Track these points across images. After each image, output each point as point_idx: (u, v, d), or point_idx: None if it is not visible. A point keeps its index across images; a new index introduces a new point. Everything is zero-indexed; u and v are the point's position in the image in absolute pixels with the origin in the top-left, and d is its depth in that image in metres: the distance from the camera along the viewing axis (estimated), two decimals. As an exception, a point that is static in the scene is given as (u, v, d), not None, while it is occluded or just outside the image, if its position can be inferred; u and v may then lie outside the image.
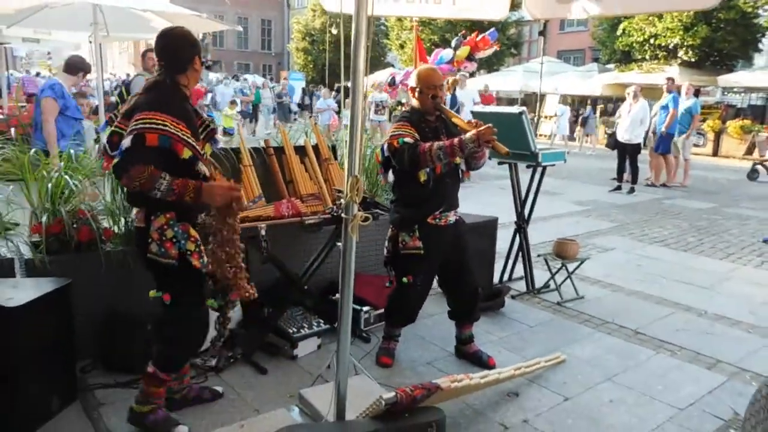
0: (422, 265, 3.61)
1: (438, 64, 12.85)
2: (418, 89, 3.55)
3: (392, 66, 31.79)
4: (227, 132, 15.17)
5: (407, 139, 3.39)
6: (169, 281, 2.89)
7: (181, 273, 2.85)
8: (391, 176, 3.68)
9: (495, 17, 3.61)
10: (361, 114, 2.61)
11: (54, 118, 5.55)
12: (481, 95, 18.87)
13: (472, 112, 5.37)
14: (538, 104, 21.87)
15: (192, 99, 2.99)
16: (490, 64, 29.57)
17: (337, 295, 3.24)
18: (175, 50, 2.86)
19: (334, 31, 32.71)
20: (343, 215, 2.68)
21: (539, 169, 5.22)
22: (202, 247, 2.89)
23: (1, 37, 10.09)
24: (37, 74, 31.69)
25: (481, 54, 12.82)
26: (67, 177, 3.73)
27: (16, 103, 11.79)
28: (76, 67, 5.91)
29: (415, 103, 3.61)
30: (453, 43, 13.13)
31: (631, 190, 11.21)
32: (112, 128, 2.80)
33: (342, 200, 3.76)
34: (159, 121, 2.65)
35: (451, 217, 3.67)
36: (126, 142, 2.63)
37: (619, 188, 11.40)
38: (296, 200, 4.03)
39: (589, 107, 20.66)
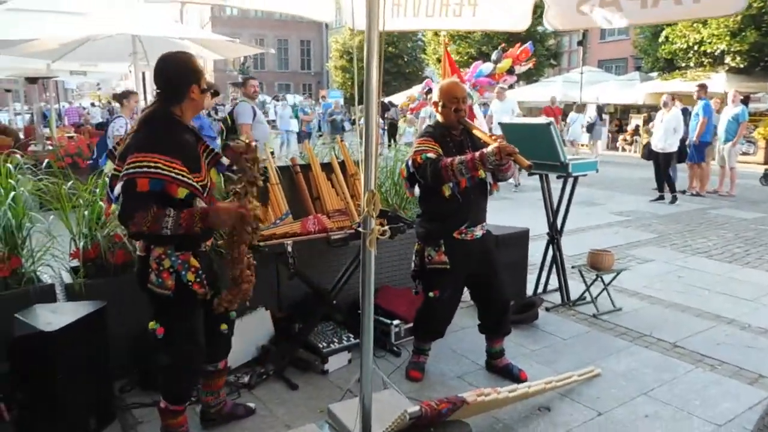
0: (448, 279, 3.61)
1: (477, 78, 12.80)
2: (440, 103, 3.57)
3: (431, 80, 31.88)
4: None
5: (430, 155, 3.41)
6: (164, 312, 2.85)
7: (176, 304, 2.82)
8: (417, 190, 3.69)
9: (517, 28, 3.60)
10: (375, 129, 2.63)
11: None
12: (546, 109, 18.61)
13: (500, 124, 5.36)
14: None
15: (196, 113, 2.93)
16: (529, 75, 29.33)
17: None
18: (170, 78, 2.75)
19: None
20: (360, 229, 2.70)
21: (570, 180, 5.17)
22: (203, 277, 2.85)
23: (49, 72, 10.53)
24: (92, 104, 32.81)
25: (521, 68, 12.75)
26: (102, 204, 3.86)
27: (61, 134, 12.22)
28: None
29: (438, 117, 3.63)
30: (493, 57, 13.08)
31: (674, 199, 10.97)
32: (112, 172, 2.77)
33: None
34: (151, 164, 2.57)
35: (478, 232, 3.66)
36: (117, 189, 2.60)
37: (661, 198, 11.16)
38: (323, 216, 4.07)
39: (594, 114, 20.28)
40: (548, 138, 4.84)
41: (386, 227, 2.85)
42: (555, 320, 5.00)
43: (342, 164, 4.59)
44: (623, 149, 22.17)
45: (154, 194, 2.57)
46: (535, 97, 24.68)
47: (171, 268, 2.77)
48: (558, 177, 5.12)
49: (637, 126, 22.26)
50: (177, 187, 2.61)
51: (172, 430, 3.03)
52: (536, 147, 4.86)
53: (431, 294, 3.65)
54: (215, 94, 2.89)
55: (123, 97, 7.65)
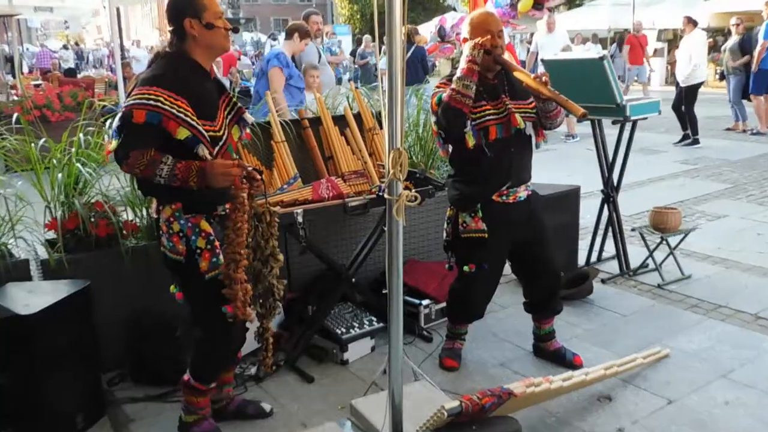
0: (487, 250, 3.58)
1: (496, 7, 12.46)
2: (471, 39, 3.47)
3: (453, 10, 31.40)
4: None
5: (444, 94, 3.38)
6: (181, 280, 3.01)
7: (190, 273, 2.91)
8: (451, 148, 3.63)
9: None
10: (400, 73, 2.56)
11: (282, 89, 6.11)
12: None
13: (542, 61, 5.25)
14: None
15: (219, 67, 3.00)
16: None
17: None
18: (168, 12, 2.87)
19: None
20: (385, 195, 2.66)
21: (628, 125, 5.08)
22: (217, 245, 2.91)
23: (11, 8, 10.46)
24: (65, 47, 32.83)
25: (553, 2, 12.36)
26: (79, 165, 3.84)
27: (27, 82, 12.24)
28: (290, 31, 6.51)
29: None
30: None
31: (694, 142, 10.96)
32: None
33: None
34: (151, 96, 2.69)
35: (522, 193, 3.61)
36: (115, 122, 2.72)
37: (686, 137, 11.19)
38: (337, 179, 4.04)
39: (613, 45, 19.83)
40: (601, 76, 4.74)
41: (415, 192, 2.80)
42: (612, 294, 4.96)
43: (358, 116, 4.54)
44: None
45: (152, 132, 2.68)
46: (579, 25, 24.17)
47: (180, 232, 2.87)
48: (613, 122, 5.03)
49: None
50: (177, 125, 2.70)
51: (191, 409, 3.15)
52: (587, 87, 4.76)
53: (467, 268, 3.63)
54: (235, 30, 2.88)
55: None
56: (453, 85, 3.32)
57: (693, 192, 7.94)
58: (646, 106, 5.06)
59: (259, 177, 2.89)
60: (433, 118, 3.51)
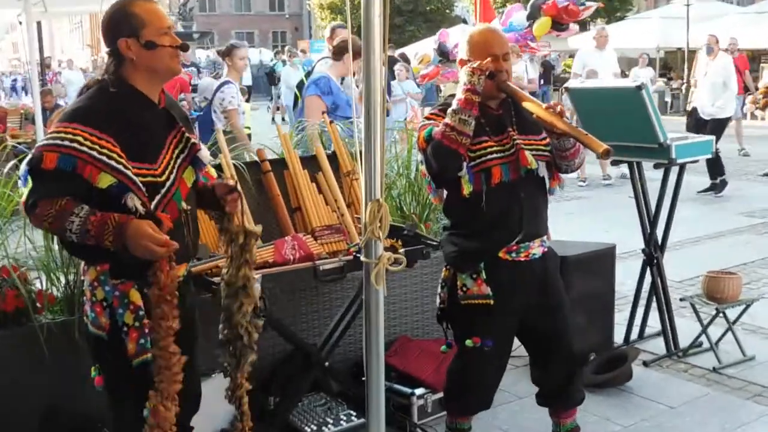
0: (492, 320, 3.58)
1: (510, 32, 12.65)
2: (470, 62, 3.57)
3: (463, 22, 31.92)
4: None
5: (435, 129, 3.43)
6: (102, 359, 2.98)
7: (113, 354, 2.89)
8: (446, 193, 3.70)
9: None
10: (379, 103, 2.65)
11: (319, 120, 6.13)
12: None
13: (567, 89, 5.36)
14: (685, 65, 21.57)
15: (171, 92, 3.04)
16: (611, 10, 29.35)
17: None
18: (103, 34, 2.94)
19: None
20: (362, 258, 2.72)
21: (674, 169, 5.16)
22: (147, 323, 2.87)
23: None
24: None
25: (577, 18, 12.55)
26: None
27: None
28: (340, 49, 6.57)
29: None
30: (528, 7, 12.91)
31: (718, 187, 11.16)
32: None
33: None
34: (67, 135, 2.70)
35: (536, 249, 3.65)
36: (23, 166, 2.76)
37: (713, 187, 11.29)
38: (306, 236, 4.07)
39: (647, 69, 20.19)
40: (639, 108, 4.83)
41: (400, 253, 2.86)
42: (658, 379, 4.99)
43: (333, 157, 4.62)
44: (752, 115, 22.07)
45: (66, 180, 2.69)
46: (621, 43, 24.58)
47: (105, 300, 2.87)
48: (656, 166, 5.11)
49: (773, 80, 22.14)
50: (98, 171, 2.70)
51: None
52: (622, 122, 4.85)
53: (469, 343, 3.61)
54: (183, 48, 2.93)
55: (226, 53, 7.62)
56: (447, 120, 3.35)
57: (760, 252, 7.99)
58: (696, 146, 5.16)
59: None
60: (420, 157, 3.55)
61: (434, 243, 4.12)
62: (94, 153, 2.70)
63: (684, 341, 5.39)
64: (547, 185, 3.67)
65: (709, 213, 9.96)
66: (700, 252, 7.96)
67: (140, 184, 2.77)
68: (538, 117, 3.39)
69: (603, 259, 5.18)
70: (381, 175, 2.69)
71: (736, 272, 5.37)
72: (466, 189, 3.45)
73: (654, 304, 5.46)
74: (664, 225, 5.43)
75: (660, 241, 5.40)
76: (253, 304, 3.13)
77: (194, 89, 19.73)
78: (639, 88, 4.83)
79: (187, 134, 3.01)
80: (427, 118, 3.58)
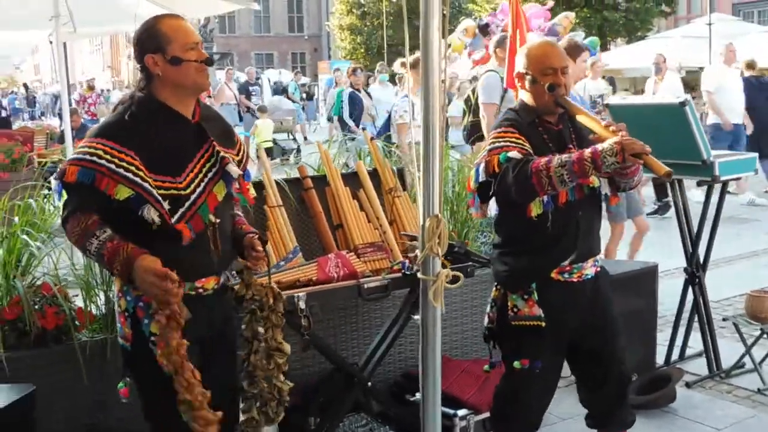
0: (544, 342, 3.54)
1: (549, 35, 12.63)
2: (529, 76, 3.53)
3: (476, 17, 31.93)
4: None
5: (513, 154, 3.35)
6: (129, 369, 3.03)
7: (140, 365, 2.93)
8: (492, 209, 3.64)
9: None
10: (438, 119, 2.61)
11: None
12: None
13: (607, 105, 5.32)
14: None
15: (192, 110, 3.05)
16: (632, 29, 29.28)
17: (417, 395, 3.21)
18: (134, 51, 3.01)
19: (395, -3, 33.29)
20: (419, 275, 2.67)
21: (717, 187, 5.11)
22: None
23: None
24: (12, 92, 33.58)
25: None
26: (25, 237, 3.88)
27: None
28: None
29: (525, 97, 3.59)
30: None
31: (662, 209, 10.62)
32: None
33: (417, 251, 3.81)
34: (89, 149, 2.81)
35: (588, 269, 3.60)
36: (54, 182, 2.88)
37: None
38: (349, 254, 4.05)
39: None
40: (683, 125, 4.79)
41: (458, 269, 2.82)
42: (701, 401, 4.92)
43: (374, 174, 4.60)
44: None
45: (86, 193, 2.80)
46: (639, 62, 24.54)
47: (127, 311, 2.93)
48: (699, 183, 5.05)
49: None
50: (115, 184, 2.78)
51: None
52: (664, 139, 4.78)
53: (518, 364, 3.57)
54: (209, 63, 2.97)
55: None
56: (553, 166, 3.22)
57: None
58: (739, 163, 5.12)
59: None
60: (481, 177, 3.46)
61: (485, 260, 4.07)
62: (112, 166, 2.78)
63: (725, 362, 5.30)
64: (604, 204, 3.63)
65: (739, 232, 9.85)
66: (735, 272, 7.89)
67: (158, 197, 2.83)
68: (598, 134, 3.32)
69: (645, 279, 5.13)
70: (440, 191, 2.65)
71: (779, 291, 5.28)
72: (536, 210, 3.39)
73: (695, 324, 5.38)
74: (705, 243, 5.37)
75: (701, 261, 5.34)
76: (286, 360, 3.17)
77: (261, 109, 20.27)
78: (683, 104, 4.79)
79: (218, 148, 3.02)
80: (498, 138, 3.45)
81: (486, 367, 3.80)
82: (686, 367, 5.35)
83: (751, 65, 12.31)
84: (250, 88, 21.63)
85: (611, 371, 3.73)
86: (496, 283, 3.68)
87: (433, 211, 2.65)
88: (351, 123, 13.79)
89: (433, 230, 2.62)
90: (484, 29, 13.80)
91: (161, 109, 2.95)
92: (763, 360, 5.18)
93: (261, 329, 3.09)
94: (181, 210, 2.88)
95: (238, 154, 3.16)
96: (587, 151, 3.20)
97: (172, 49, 2.91)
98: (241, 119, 19.30)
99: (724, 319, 5.58)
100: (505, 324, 3.60)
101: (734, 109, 11.74)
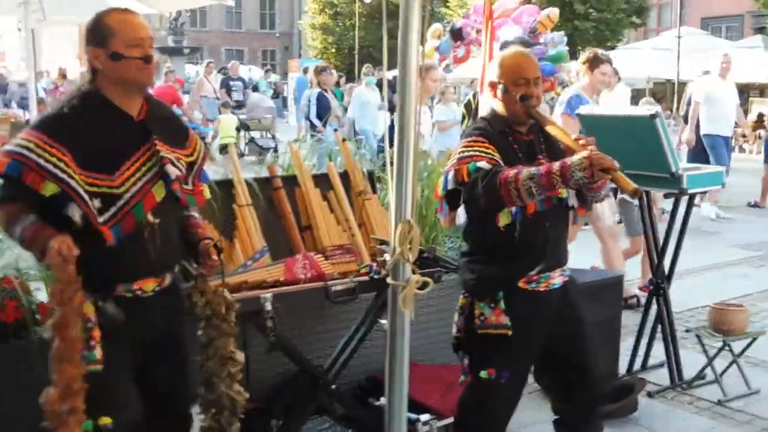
0: (511, 351, 3.53)
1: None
2: (501, 85, 3.52)
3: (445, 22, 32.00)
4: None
5: (482, 164, 3.34)
6: None
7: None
8: (461, 216, 3.63)
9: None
10: (413, 122, 2.59)
11: None
12: None
13: (578, 116, 5.33)
14: (675, 97, 21.68)
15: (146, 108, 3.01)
16: (601, 40, 29.54)
17: (382, 399, 3.19)
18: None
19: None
20: (389, 280, 2.64)
21: (684, 199, 5.14)
22: (95, 335, 2.83)
23: None
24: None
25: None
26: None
27: None
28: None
29: (497, 106, 3.59)
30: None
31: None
32: None
33: (387, 256, 3.79)
34: (23, 142, 2.78)
35: (556, 279, 3.60)
36: None
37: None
38: (317, 256, 4.02)
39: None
40: (653, 137, 4.81)
41: (427, 274, 2.80)
42: (663, 411, 4.94)
43: (344, 176, 4.57)
44: (741, 149, 22.19)
45: (16, 186, 2.77)
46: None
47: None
48: (666, 195, 5.09)
49: (762, 115, 22.29)
50: (41, 179, 2.74)
51: None
52: (634, 150, 4.82)
53: (484, 373, 3.55)
54: (147, 60, 2.93)
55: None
56: (521, 178, 3.20)
57: (757, 285, 7.98)
58: (707, 176, 5.18)
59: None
60: (450, 185, 3.44)
61: (453, 266, 4.06)
62: (41, 161, 2.74)
63: (687, 373, 5.35)
64: (572, 215, 3.65)
65: (703, 244, 9.92)
66: (697, 283, 7.95)
67: (84, 195, 2.78)
68: (566, 146, 3.34)
69: (610, 289, 5.14)
70: (413, 196, 2.62)
71: (742, 305, 5.32)
72: (504, 220, 3.39)
73: (658, 335, 5.40)
74: (670, 255, 5.41)
75: (666, 272, 5.36)
76: (240, 369, 3.15)
77: (240, 105, 19.84)
78: (653, 116, 4.81)
79: (159, 147, 2.96)
80: (467, 147, 3.43)
81: (462, 377, 3.74)
82: (648, 377, 5.38)
83: None
84: (231, 83, 21.12)
85: (585, 380, 3.73)
86: (463, 291, 3.66)
87: (405, 216, 2.61)
88: (318, 123, 13.75)
89: (405, 236, 2.59)
90: (458, 33, 13.74)
91: (103, 104, 2.92)
92: (724, 372, 5.23)
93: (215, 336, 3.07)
94: (113, 209, 2.85)
95: (192, 155, 3.14)
96: (556, 165, 3.19)
97: (114, 44, 2.87)
98: (220, 113, 18.97)
99: (687, 331, 5.66)
100: (472, 333, 3.58)
101: (727, 121, 12.00)
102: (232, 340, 3.10)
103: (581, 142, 3.24)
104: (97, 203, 2.79)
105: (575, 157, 3.14)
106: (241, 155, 17.45)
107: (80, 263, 2.70)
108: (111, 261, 2.83)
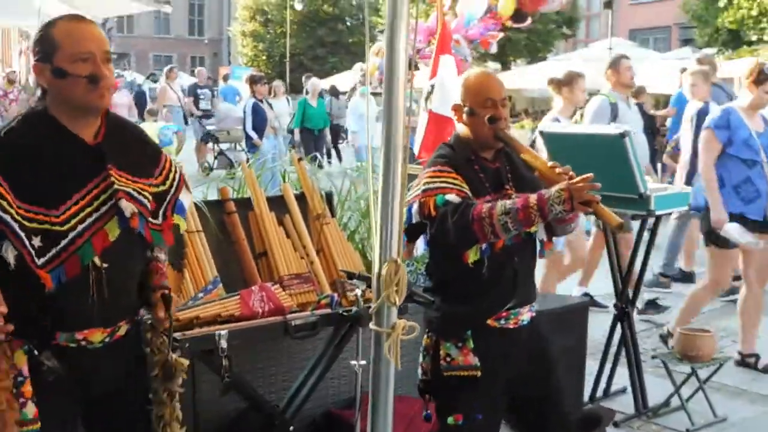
0: (480, 394, 3.34)
1: (468, 25, 12.14)
2: (466, 108, 3.34)
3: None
4: None
5: (451, 197, 3.15)
6: None
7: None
8: (420, 248, 3.42)
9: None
10: (401, 145, 2.37)
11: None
12: None
13: (541, 134, 5.17)
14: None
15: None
16: (533, 50, 29.85)
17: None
18: None
19: (298, 6, 33.16)
20: (372, 326, 2.40)
21: (650, 221, 5.07)
22: (26, 390, 2.48)
23: None
24: None
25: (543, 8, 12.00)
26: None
27: None
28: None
29: (462, 130, 3.42)
30: None
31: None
32: None
33: (358, 291, 3.55)
34: None
35: (525, 316, 3.43)
36: None
37: None
38: (274, 286, 3.84)
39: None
40: (620, 157, 4.70)
41: (412, 322, 2.53)
42: (630, 442, 4.84)
43: (301, 198, 4.37)
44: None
45: None
46: (540, 83, 24.97)
47: None
48: (633, 217, 5.02)
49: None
50: None
51: None
52: (599, 170, 4.62)
53: (452, 420, 3.36)
54: (93, 80, 2.52)
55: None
56: (496, 214, 3.03)
57: (711, 303, 7.87)
58: (673, 197, 5.10)
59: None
60: (414, 218, 3.26)
61: (429, 300, 3.83)
62: None
63: (654, 399, 5.24)
64: (538, 248, 3.49)
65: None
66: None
67: (20, 232, 2.40)
68: (541, 174, 3.17)
69: (575, 315, 5.00)
70: (399, 230, 2.37)
71: (710, 330, 5.23)
72: (473, 257, 3.19)
73: (622, 360, 5.30)
74: (635, 278, 5.33)
75: (630, 297, 5.27)
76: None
77: (207, 115, 18.50)
78: (623, 135, 4.68)
79: (114, 177, 2.57)
80: (431, 177, 3.25)
81: (424, 414, 3.53)
82: (611, 404, 5.29)
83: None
84: (199, 92, 19.13)
85: (557, 418, 3.57)
86: (426, 330, 3.45)
87: (391, 253, 2.36)
88: (254, 136, 13.37)
89: (392, 277, 2.33)
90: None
91: (51, 126, 2.55)
92: (689, 398, 5.12)
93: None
94: (55, 249, 2.46)
95: (163, 184, 2.76)
96: (533, 198, 3.00)
97: (58, 58, 2.49)
98: (186, 123, 18.26)
99: (653, 357, 5.54)
100: (439, 375, 3.38)
101: None
102: (176, 405, 2.79)
103: (558, 170, 3.08)
104: (36, 242, 2.42)
105: (553, 190, 2.98)
106: (210, 169, 16.80)
107: (13, 305, 2.36)
108: (49, 307, 2.47)
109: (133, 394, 2.79)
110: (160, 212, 2.73)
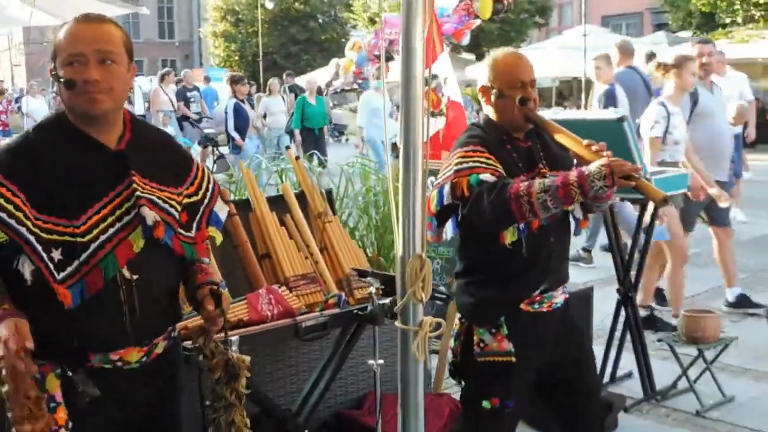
0: (514, 378, 3.30)
1: (441, 17, 12.02)
2: (495, 90, 3.29)
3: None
4: None
5: (485, 176, 3.08)
6: None
7: None
8: (449, 231, 3.33)
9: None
10: (420, 141, 2.31)
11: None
12: None
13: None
14: (584, 95, 21.93)
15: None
16: (506, 40, 29.78)
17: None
18: None
19: (269, 5, 32.98)
20: (398, 324, 2.33)
21: (650, 205, 5.01)
22: (60, 417, 2.35)
23: None
24: None
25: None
26: None
27: None
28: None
29: (491, 112, 3.35)
30: None
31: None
32: None
33: (372, 289, 3.48)
34: None
35: (558, 298, 3.40)
36: None
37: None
38: (281, 288, 3.76)
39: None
40: (620, 141, 4.62)
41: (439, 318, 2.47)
42: (642, 427, 4.85)
43: (301, 197, 4.31)
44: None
45: None
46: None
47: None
48: (633, 201, 5.05)
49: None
50: None
51: None
52: (600, 155, 4.66)
53: (487, 404, 3.30)
54: (68, 85, 2.41)
55: (677, 65, 6.48)
56: (534, 191, 2.97)
57: (703, 284, 7.93)
58: (673, 180, 5.07)
59: None
60: (446, 200, 3.18)
61: (443, 296, 3.78)
62: None
63: (662, 381, 5.23)
64: (573, 227, 3.46)
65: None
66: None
67: (37, 246, 2.28)
68: (576, 154, 3.13)
69: (580, 302, 4.91)
70: (422, 226, 2.31)
71: (714, 312, 5.21)
72: (510, 237, 3.13)
73: (628, 345, 5.27)
74: (637, 263, 5.32)
75: (633, 280, 5.24)
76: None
77: (200, 118, 18.23)
78: (621, 119, 4.67)
79: (137, 184, 2.43)
80: (464, 157, 3.17)
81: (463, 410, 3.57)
82: (618, 389, 5.27)
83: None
84: (188, 95, 18.60)
85: (592, 403, 3.57)
86: (459, 316, 3.41)
87: (415, 249, 2.29)
88: (236, 136, 13.20)
89: (417, 273, 2.27)
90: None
91: (71, 132, 2.42)
92: (695, 380, 5.11)
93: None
94: (76, 263, 2.33)
95: (196, 194, 2.61)
96: (573, 175, 2.95)
97: (57, 62, 2.39)
98: (181, 128, 17.58)
99: (659, 341, 5.53)
100: (472, 360, 3.33)
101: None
102: (238, 412, 2.69)
103: (594, 148, 3.05)
104: (56, 255, 2.29)
105: (593, 166, 2.94)
106: (211, 173, 16.38)
107: (39, 327, 2.25)
108: (74, 327, 2.33)
109: (170, 422, 2.68)
110: (194, 224, 2.59)
